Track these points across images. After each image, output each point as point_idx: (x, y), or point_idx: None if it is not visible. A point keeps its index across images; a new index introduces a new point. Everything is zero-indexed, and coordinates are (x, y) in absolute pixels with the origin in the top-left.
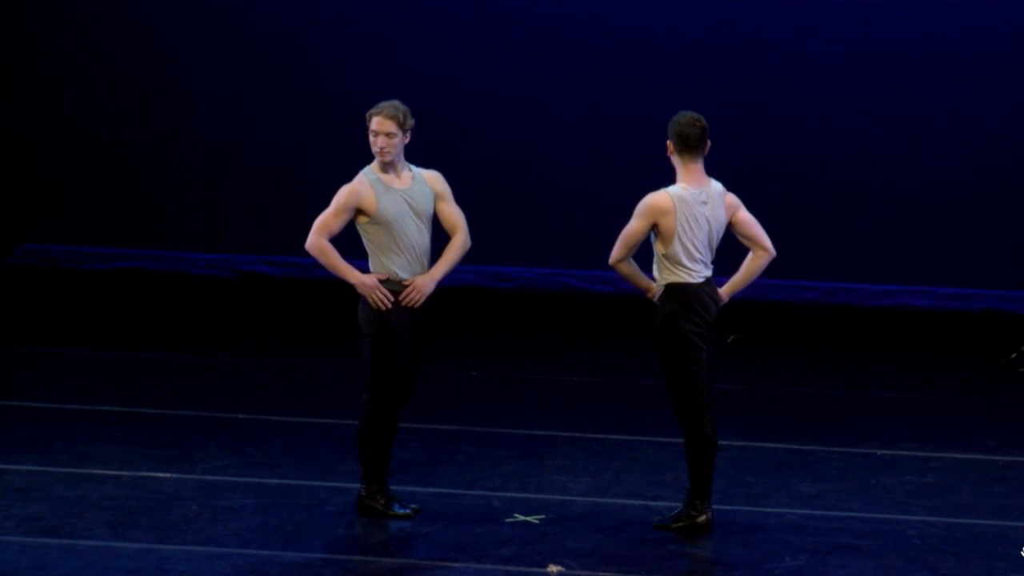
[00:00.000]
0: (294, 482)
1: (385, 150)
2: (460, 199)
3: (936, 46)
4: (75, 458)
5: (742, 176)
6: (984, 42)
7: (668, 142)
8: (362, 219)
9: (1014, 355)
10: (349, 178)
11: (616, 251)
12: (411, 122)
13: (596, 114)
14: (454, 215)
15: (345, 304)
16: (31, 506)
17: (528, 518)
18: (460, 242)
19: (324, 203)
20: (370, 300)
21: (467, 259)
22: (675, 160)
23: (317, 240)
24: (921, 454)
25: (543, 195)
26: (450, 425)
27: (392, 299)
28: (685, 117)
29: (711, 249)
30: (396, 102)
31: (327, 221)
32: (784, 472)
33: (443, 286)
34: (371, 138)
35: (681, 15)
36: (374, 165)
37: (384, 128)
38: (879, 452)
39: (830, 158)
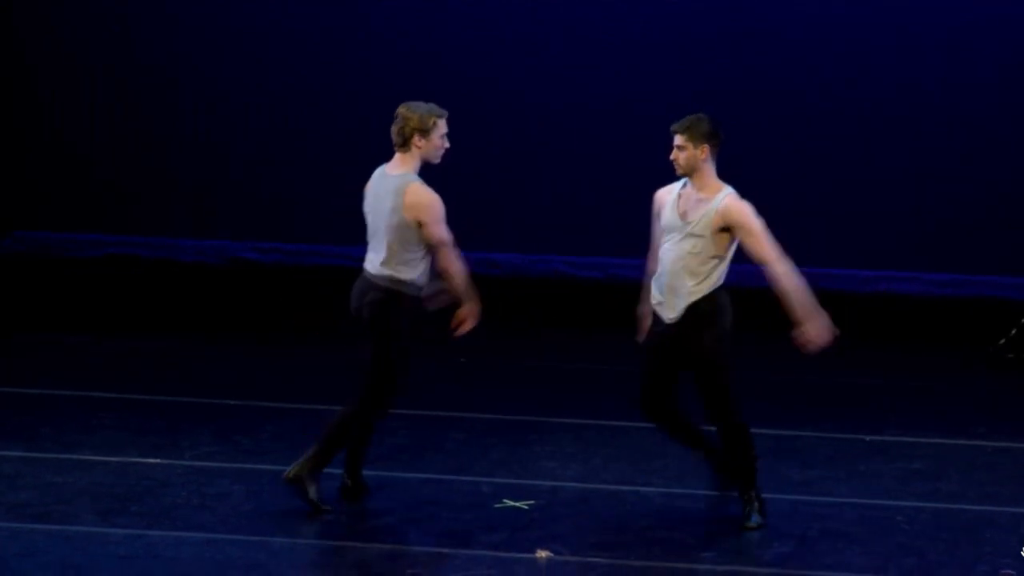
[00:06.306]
0: (284, 468)
1: None
2: (450, 186)
3: (930, 40)
4: (64, 445)
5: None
6: (979, 35)
7: (698, 149)
8: None
9: (1003, 341)
10: (344, 165)
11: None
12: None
13: (585, 101)
14: None
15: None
16: (20, 493)
17: (517, 504)
18: None
19: (316, 190)
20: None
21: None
22: (708, 165)
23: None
24: (910, 440)
25: (532, 181)
26: (439, 411)
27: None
28: (710, 118)
29: None
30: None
31: None
32: (773, 458)
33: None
34: None
35: (681, 15)
36: None
37: None
38: (868, 438)
39: (817, 144)
